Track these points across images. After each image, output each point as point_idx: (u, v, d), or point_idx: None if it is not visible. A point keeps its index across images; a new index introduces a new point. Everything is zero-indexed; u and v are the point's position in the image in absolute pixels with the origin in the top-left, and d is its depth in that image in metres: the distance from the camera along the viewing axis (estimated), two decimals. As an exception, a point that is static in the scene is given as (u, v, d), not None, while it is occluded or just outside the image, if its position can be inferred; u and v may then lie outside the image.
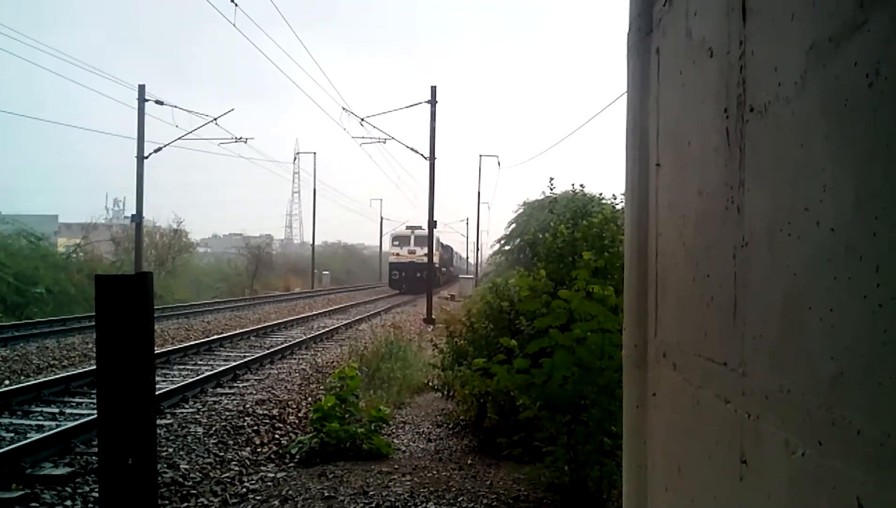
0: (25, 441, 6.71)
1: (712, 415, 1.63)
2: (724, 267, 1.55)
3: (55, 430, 7.20)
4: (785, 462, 1.23)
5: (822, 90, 1.16)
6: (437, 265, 41.96)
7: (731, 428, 1.48)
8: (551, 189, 13.69)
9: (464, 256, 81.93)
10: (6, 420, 8.25)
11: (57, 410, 8.90)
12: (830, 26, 1.12)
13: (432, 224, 27.37)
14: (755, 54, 1.43)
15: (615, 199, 12.74)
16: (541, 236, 13.86)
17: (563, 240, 10.04)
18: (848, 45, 1.07)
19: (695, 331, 1.78)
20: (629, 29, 2.42)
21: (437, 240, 41.29)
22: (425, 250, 40.23)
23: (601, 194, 13.80)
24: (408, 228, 50.32)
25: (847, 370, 1.05)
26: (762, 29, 1.41)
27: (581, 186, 13.92)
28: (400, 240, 49.45)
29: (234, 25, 13.48)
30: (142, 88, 26.35)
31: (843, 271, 1.07)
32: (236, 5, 13.18)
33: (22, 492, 5.73)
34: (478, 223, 56.57)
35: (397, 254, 48.41)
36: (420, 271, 43.09)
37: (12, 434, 7.58)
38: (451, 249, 65.99)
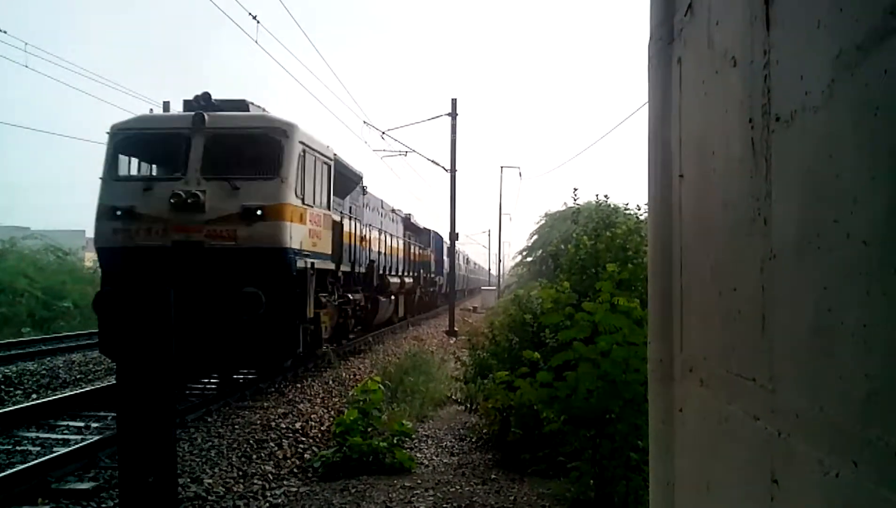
0: (51, 456, 6.77)
1: (741, 432, 1.58)
2: (752, 280, 1.51)
3: (81, 444, 7.26)
4: (818, 483, 1.18)
5: (850, 99, 1.12)
6: (385, 264, 19.05)
7: (761, 446, 1.44)
8: (574, 200, 13.65)
9: (472, 257, 62.08)
10: (33, 434, 8.34)
11: (83, 424, 8.97)
12: (858, 34, 1.09)
13: (454, 236, 27.33)
14: (780, 63, 1.40)
15: (639, 209, 12.65)
16: (563, 247, 13.83)
17: (586, 251, 9.99)
18: (877, 53, 1.04)
19: (722, 346, 1.74)
20: (650, 38, 2.40)
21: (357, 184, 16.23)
22: (247, 203, 10.17)
23: (626, 205, 13.69)
24: (189, 105, 11.41)
25: (882, 389, 1.02)
26: (787, 37, 1.38)
27: (605, 196, 13.83)
28: (147, 150, 11.32)
29: (255, 42, 13.38)
30: (166, 105, 26.66)
31: (877, 286, 1.03)
32: (258, 22, 13.20)
33: (47, 507, 5.77)
34: (499, 235, 55.82)
35: (133, 217, 10.25)
36: (217, 285, 10.05)
37: (38, 448, 7.66)
38: (435, 235, 32.73)
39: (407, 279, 23.69)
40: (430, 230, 31.85)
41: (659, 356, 2.29)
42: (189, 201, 10.05)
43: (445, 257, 32.25)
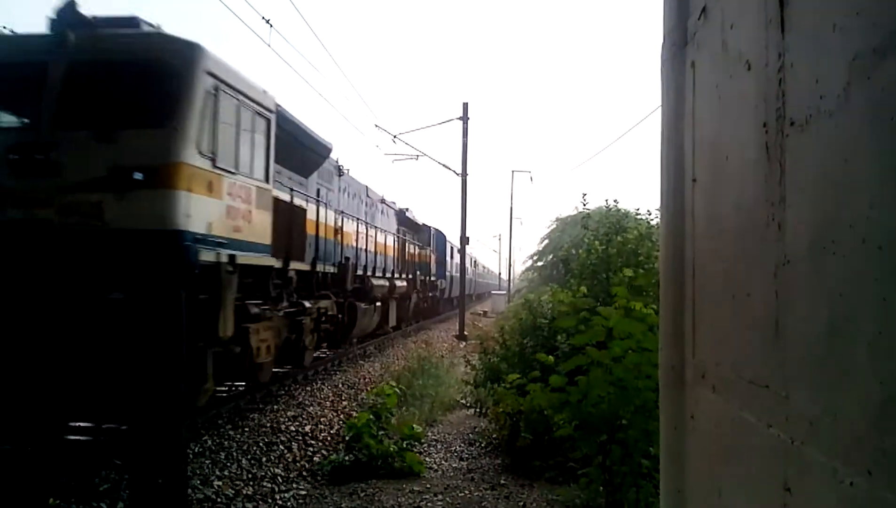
0: (62, 456, 6.80)
1: (754, 440, 1.57)
2: (765, 286, 1.49)
3: (92, 445, 7.28)
4: (832, 492, 1.17)
5: (866, 103, 1.11)
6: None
7: (774, 454, 1.43)
8: (584, 205, 13.67)
9: (481, 260, 57.68)
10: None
11: (94, 425, 9.01)
12: (875, 37, 1.07)
13: (464, 240, 27.30)
14: (794, 67, 1.39)
15: (650, 214, 12.65)
16: (574, 252, 13.82)
17: (598, 256, 9.99)
18: (893, 57, 1.03)
19: (735, 352, 1.72)
20: (663, 42, 2.39)
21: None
22: (122, 161, 6.73)
23: (637, 210, 13.72)
24: (54, 25, 7.34)
25: (898, 396, 1.00)
26: (802, 41, 1.36)
27: (615, 201, 13.87)
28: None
29: (268, 46, 13.42)
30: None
31: (892, 292, 1.02)
32: (271, 26, 13.36)
33: None
34: (510, 239, 55.54)
35: None
36: (72, 289, 6.56)
37: (49, 449, 7.69)
38: (436, 233, 29.10)
39: (399, 283, 19.77)
40: (429, 227, 28.01)
41: (671, 362, 2.27)
42: (36, 157, 6.80)
43: (449, 259, 29.26)
